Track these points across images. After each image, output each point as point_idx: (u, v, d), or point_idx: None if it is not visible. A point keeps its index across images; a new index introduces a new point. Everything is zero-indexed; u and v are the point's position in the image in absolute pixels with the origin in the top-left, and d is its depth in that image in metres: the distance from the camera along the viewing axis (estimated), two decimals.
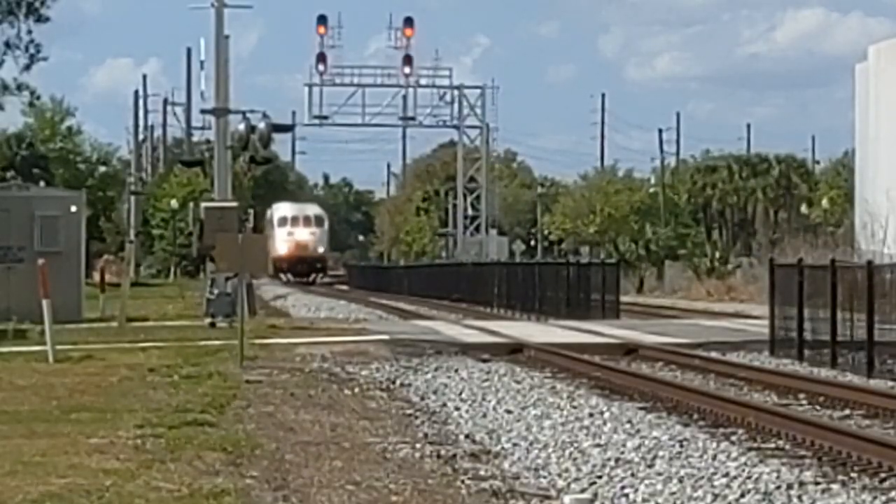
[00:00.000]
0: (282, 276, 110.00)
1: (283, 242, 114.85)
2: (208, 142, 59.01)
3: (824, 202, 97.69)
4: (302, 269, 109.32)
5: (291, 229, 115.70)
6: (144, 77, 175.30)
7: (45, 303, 35.92)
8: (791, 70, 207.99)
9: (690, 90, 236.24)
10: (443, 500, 17.97)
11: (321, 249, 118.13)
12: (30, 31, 70.47)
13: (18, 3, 69.07)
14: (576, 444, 22.72)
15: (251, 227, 53.84)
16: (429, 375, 34.51)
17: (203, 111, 55.55)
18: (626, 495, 18.30)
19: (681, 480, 18.97)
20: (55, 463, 19.08)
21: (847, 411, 26.82)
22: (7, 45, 67.26)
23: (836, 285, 36.31)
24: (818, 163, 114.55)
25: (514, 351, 40.32)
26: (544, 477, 19.91)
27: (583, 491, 18.67)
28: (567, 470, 20.36)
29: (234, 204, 51.89)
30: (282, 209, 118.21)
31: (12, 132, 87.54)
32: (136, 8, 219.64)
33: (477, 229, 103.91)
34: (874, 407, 26.65)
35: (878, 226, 75.42)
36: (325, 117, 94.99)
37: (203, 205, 56.96)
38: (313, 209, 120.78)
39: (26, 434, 22.30)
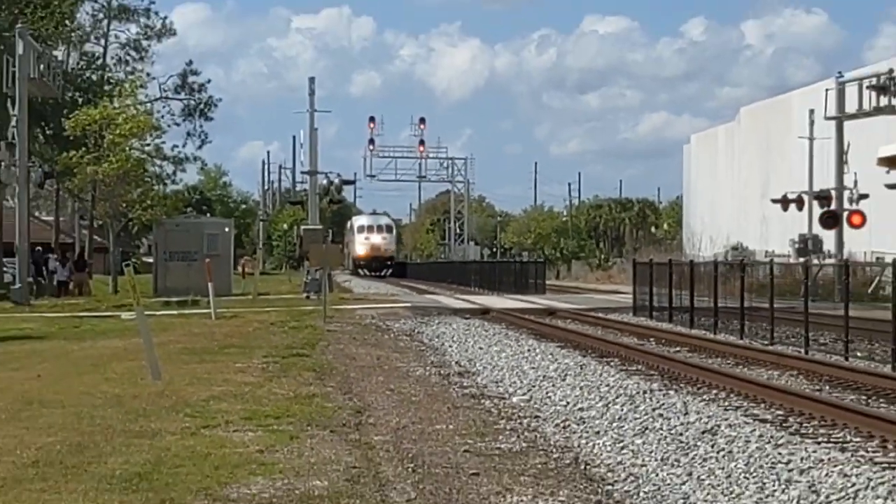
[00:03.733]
0: (360, 271, 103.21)
1: (361, 245, 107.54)
2: (304, 191, 61.75)
3: (665, 226, 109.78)
4: (376, 265, 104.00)
5: (368, 235, 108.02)
6: (268, 153, 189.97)
7: (209, 284, 40.04)
8: (647, 148, 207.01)
9: (587, 160, 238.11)
10: (442, 400, 18.77)
11: (390, 250, 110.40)
12: (202, 126, 72.10)
13: (195, 110, 70.25)
14: (519, 368, 23.95)
15: (329, 240, 57.30)
16: (433, 327, 36.97)
17: (302, 172, 69.38)
18: (549, 396, 19.40)
19: (580, 388, 20.10)
20: (215, 378, 20.40)
21: (678, 348, 28.83)
22: (188, 134, 69.57)
23: (672, 274, 39.25)
24: (661, 202, 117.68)
25: (483, 313, 43.51)
26: (501, 386, 21.02)
27: (524, 394, 19.83)
28: (514, 382, 21.50)
29: (320, 227, 65.86)
30: (361, 220, 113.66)
31: (191, 184, 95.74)
32: (264, 112, 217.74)
33: (462, 241, 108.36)
34: (695, 346, 28.99)
35: (696, 240, 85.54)
36: (373, 175, 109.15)
37: (302, 227, 70.07)
38: (385, 220, 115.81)
39: (198, 361, 23.45)
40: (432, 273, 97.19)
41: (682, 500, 11.33)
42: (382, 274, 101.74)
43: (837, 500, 11.00)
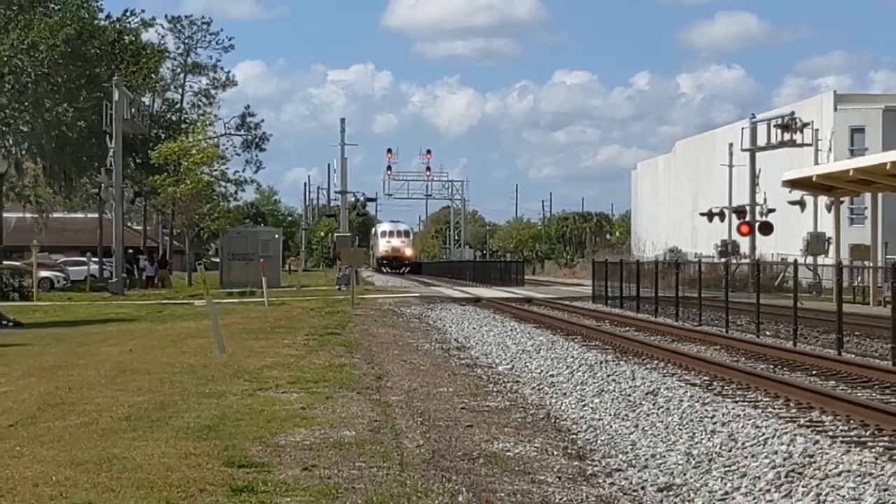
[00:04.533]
0: (382, 269, 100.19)
1: (383, 247, 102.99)
2: (337, 206, 61.76)
3: (617, 233, 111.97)
4: (396, 264, 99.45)
5: (389, 239, 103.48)
6: (309, 177, 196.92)
7: (263, 279, 39.97)
8: (603, 173, 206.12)
9: (557, 182, 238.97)
10: (444, 368, 18.59)
11: (409, 252, 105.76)
12: (257, 156, 72.49)
13: (251, 143, 70.12)
14: (503, 344, 23.91)
15: (356, 244, 57.58)
16: (437, 312, 36.52)
17: (335, 191, 72.94)
18: (527, 366, 19.33)
19: (551, 359, 20.03)
20: (267, 351, 20.36)
21: (627, 328, 28.62)
22: (247, 162, 70.07)
23: (622, 271, 39.49)
24: (614, 215, 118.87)
25: (476, 301, 42.91)
26: (490, 358, 20.97)
27: (507, 364, 19.75)
28: (500, 355, 21.45)
29: (349, 234, 64.22)
30: (383, 226, 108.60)
31: (248, 201, 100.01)
32: (306, 145, 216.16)
33: (459, 245, 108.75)
34: (640, 326, 29.02)
35: (641, 244, 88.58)
36: (390, 194, 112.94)
37: (335, 234, 75.00)
38: (403, 226, 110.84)
39: (254, 338, 23.38)
40: (437, 270, 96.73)
41: (630, 446, 11.29)
42: (401, 271, 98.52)
43: (751, 445, 10.96)
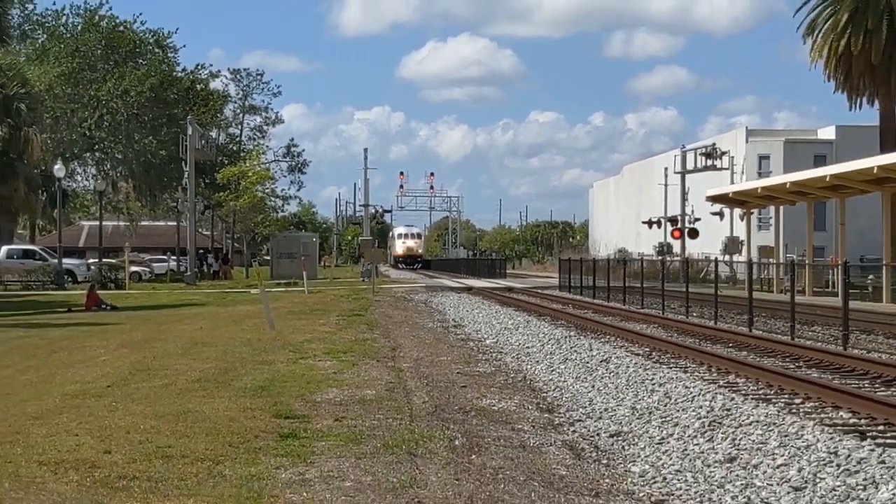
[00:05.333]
0: (398, 265, 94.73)
1: (399, 247, 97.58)
2: (361, 216, 61.64)
3: (578, 237, 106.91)
4: (410, 261, 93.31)
5: (404, 240, 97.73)
6: (339, 193, 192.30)
7: (304, 272, 40.68)
8: (567, 191, 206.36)
9: (532, 198, 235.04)
10: (443, 342, 18.66)
11: (420, 251, 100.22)
12: (299, 177, 73.03)
13: (295, 167, 69.96)
14: (490, 323, 23.69)
15: (376, 245, 56.48)
16: (438, 298, 35.73)
17: (360, 205, 68.70)
18: (508, 340, 19.13)
19: (527, 335, 19.82)
20: (307, 328, 20.11)
21: (586, 311, 28.08)
22: (291, 182, 70.72)
23: (582, 266, 39.32)
24: (576, 223, 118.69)
25: (468, 290, 41.53)
26: (479, 334, 20.76)
27: (493, 339, 19.42)
28: (487, 332, 21.22)
29: (370, 238, 65.76)
30: (399, 229, 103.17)
31: (292, 212, 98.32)
32: (337, 169, 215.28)
33: (455, 247, 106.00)
34: (596, 309, 28.60)
35: (597, 246, 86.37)
36: (402, 207, 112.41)
37: (360, 238, 68.46)
38: (416, 229, 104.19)
39: (296, 318, 23.11)
40: (440, 266, 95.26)
41: (588, 402, 11.25)
42: (415, 267, 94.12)
43: (682, 401, 10.93)
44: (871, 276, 32.60)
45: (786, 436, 8.82)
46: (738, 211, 45.67)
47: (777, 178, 39.09)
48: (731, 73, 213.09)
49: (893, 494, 6.80)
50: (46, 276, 42.69)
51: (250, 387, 11.22)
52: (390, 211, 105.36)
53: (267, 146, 72.29)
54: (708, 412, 10.07)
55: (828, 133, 61.62)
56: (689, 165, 54.21)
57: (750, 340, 17.52)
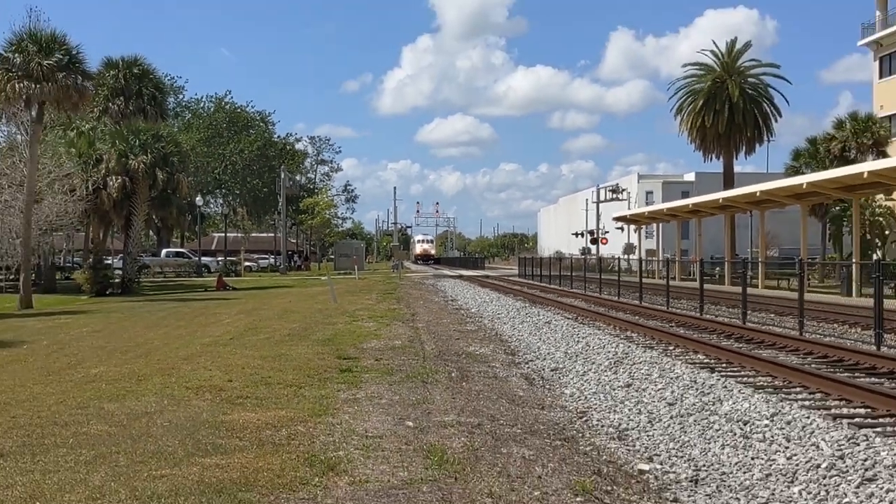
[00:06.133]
0: (418, 262, 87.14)
1: (418, 249, 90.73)
2: (391, 230, 59.93)
3: (531, 243, 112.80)
4: (425, 259, 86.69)
5: (423, 245, 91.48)
6: (378, 215, 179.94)
7: (355, 267, 40.57)
8: (524, 213, 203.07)
9: (501, 218, 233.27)
10: (445, 310, 17.67)
11: (433, 252, 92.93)
12: (353, 205, 76.28)
13: (349, 199, 70.82)
14: (474, 298, 22.04)
15: (401, 249, 54.80)
16: (442, 282, 33.19)
17: (391, 223, 71.21)
18: (485, 309, 18.02)
19: (498, 305, 18.86)
20: (357, 302, 18.90)
21: (535, 290, 26.36)
22: (347, 208, 72.65)
23: (533, 262, 37.45)
24: (529, 235, 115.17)
25: (460, 277, 39.36)
26: (467, 305, 19.52)
27: (476, 308, 18.32)
28: (472, 304, 19.91)
29: (398, 244, 62.51)
30: (418, 236, 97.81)
31: (348, 227, 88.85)
32: (378, 200, 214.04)
33: (452, 249, 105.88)
34: (542, 289, 27.31)
35: (543, 250, 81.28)
36: (419, 224, 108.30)
37: (391, 244, 65.64)
38: (430, 236, 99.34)
39: (350, 295, 21.78)
40: (443, 262, 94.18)
41: (537, 349, 11.06)
42: (429, 263, 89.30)
43: (597, 349, 10.75)
44: (717, 268, 32.78)
45: (663, 370, 8.72)
46: (633, 227, 45.69)
47: (657, 206, 39.48)
48: (629, 138, 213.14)
49: (731, 408, 6.79)
50: (191, 269, 42.88)
51: (321, 339, 11.10)
52: (411, 227, 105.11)
53: (332, 185, 72.61)
54: (614, 355, 9.95)
55: (690, 177, 61.69)
56: (602, 197, 54.26)
57: (640, 309, 17.33)
